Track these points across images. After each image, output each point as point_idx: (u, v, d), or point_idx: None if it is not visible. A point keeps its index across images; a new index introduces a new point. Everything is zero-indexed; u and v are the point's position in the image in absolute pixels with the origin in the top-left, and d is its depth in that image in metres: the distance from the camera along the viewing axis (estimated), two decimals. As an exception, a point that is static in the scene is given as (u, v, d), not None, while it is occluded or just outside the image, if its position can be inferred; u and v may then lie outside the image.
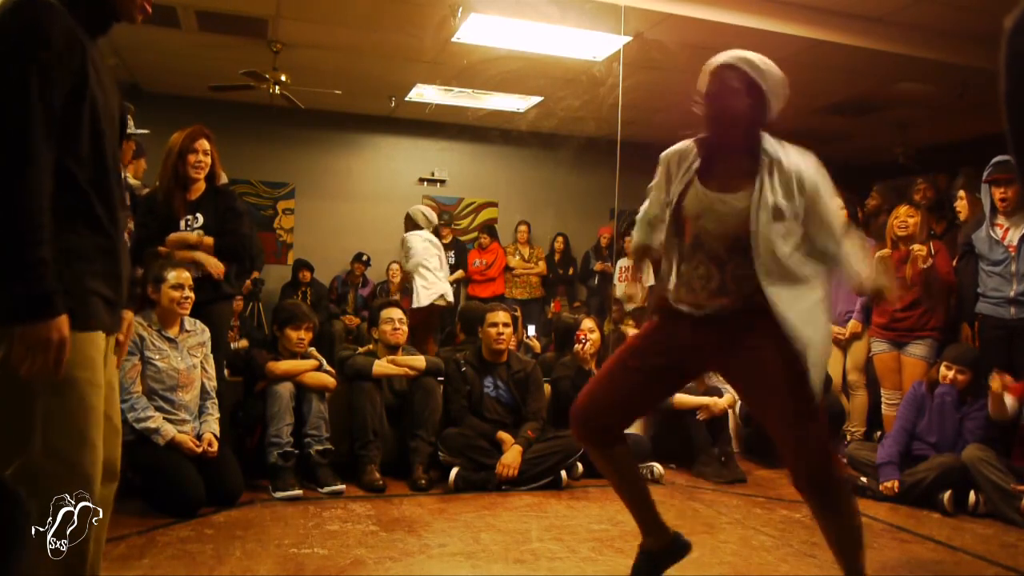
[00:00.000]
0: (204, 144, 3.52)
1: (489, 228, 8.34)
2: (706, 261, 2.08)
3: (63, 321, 1.44)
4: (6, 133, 1.42)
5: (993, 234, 3.95)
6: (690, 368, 2.31)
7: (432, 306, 5.85)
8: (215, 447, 3.26)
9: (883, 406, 4.42)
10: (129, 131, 3.28)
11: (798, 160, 2.04)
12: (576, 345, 4.16)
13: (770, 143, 2.05)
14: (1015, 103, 1.10)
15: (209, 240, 3.50)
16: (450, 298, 5.98)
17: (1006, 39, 1.10)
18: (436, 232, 6.31)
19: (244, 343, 5.62)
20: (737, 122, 2.05)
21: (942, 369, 3.78)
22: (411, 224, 6.05)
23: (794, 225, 2.03)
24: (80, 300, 1.53)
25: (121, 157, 1.80)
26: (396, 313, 4.03)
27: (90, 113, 1.55)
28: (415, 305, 5.74)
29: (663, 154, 2.23)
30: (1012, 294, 3.83)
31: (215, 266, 3.48)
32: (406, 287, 6.44)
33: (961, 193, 4.57)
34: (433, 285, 5.85)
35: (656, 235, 2.25)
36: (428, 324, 5.87)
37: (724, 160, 2.11)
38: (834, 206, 2.07)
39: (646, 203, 2.37)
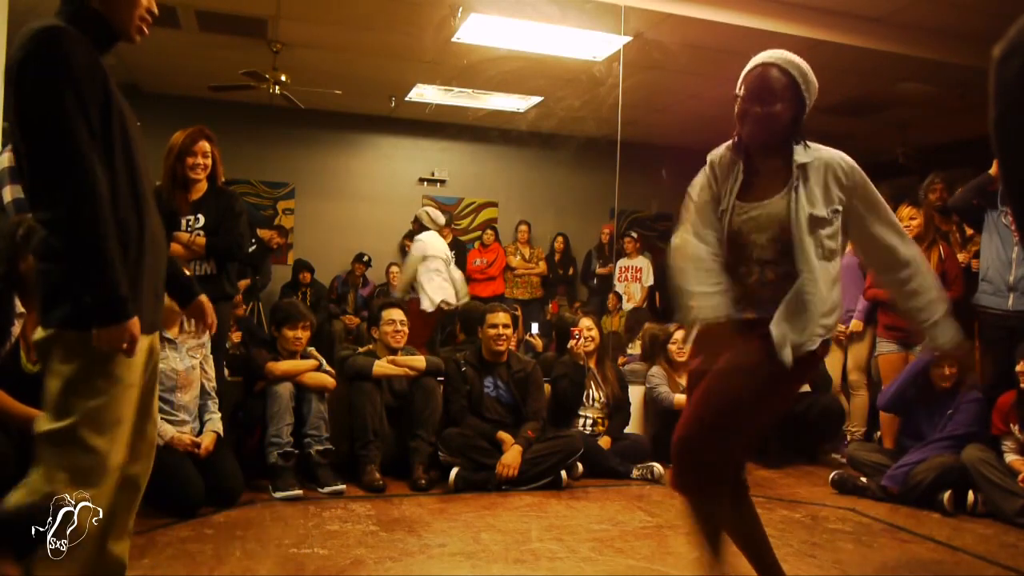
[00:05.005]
0: (204, 146, 3.51)
1: (492, 227, 8.35)
2: (759, 267, 1.99)
3: (135, 323, 1.61)
4: (57, 151, 1.53)
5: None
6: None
7: (437, 309, 5.81)
8: (204, 444, 3.24)
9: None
10: None
11: (831, 155, 1.97)
12: (571, 341, 4.17)
13: (800, 149, 1.96)
14: (1004, 131, 1.10)
15: (201, 240, 3.50)
16: (453, 301, 5.91)
17: (994, 67, 1.09)
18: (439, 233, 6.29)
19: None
20: (780, 127, 1.95)
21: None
22: (419, 227, 6.04)
23: (831, 233, 1.94)
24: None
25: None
26: (398, 315, 4.03)
27: (120, 125, 1.66)
28: (424, 307, 5.71)
29: (711, 155, 2.10)
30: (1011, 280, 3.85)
31: (196, 245, 3.47)
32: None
33: None
34: (440, 288, 5.83)
35: (718, 300, 1.97)
36: (428, 328, 5.84)
37: (759, 165, 2.01)
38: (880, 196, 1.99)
39: (687, 224, 2.08)
